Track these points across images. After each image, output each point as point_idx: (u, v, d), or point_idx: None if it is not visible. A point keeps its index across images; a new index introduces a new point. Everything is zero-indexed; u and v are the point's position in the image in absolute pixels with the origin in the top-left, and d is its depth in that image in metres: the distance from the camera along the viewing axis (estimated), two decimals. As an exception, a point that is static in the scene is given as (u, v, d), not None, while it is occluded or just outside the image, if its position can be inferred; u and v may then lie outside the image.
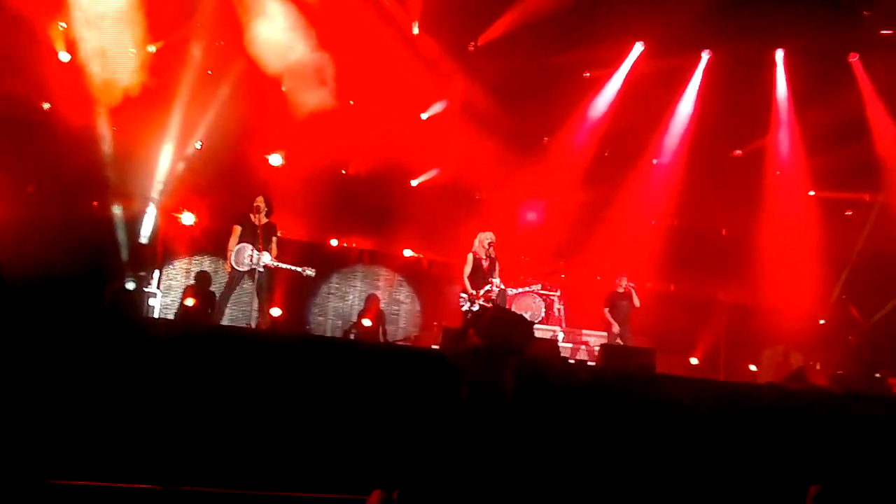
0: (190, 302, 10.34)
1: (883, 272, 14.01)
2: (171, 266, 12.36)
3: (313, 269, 10.34)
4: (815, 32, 12.79)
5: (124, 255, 11.33)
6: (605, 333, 12.54)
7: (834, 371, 11.06)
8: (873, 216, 14.61)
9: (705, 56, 14.48)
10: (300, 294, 12.81)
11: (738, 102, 14.20)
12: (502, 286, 10.78)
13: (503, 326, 6.18)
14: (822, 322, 14.19)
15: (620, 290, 12.56)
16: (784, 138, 15.03)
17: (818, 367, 13.24)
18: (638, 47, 14.53)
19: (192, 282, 11.99)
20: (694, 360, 13.54)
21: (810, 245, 14.40)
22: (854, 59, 14.10)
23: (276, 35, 12.37)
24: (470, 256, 10.68)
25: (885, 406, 8.98)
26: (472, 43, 13.96)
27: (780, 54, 14.45)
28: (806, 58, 13.92)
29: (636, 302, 12.37)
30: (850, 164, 14.25)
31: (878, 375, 11.25)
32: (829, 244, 14.46)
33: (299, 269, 10.26)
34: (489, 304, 10.28)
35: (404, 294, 14.01)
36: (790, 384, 11.31)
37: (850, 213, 15.32)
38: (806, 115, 14.46)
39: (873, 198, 14.70)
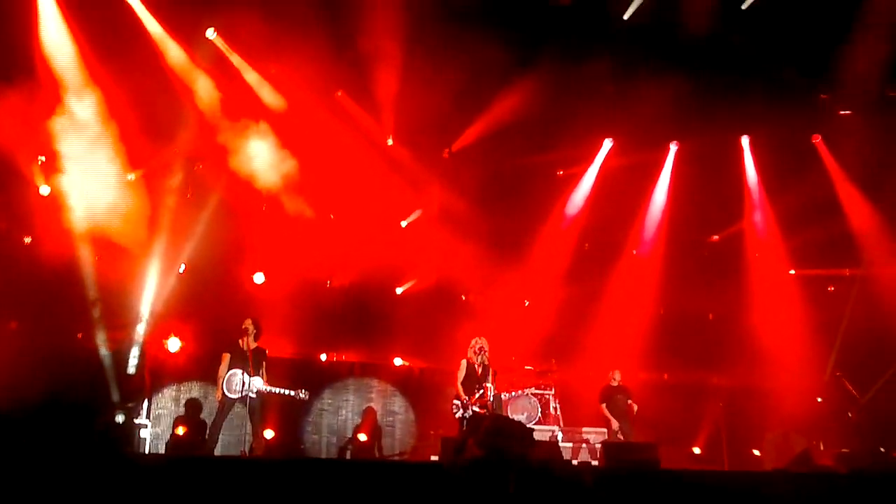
0: (181, 431, 10.12)
1: (872, 344, 14.05)
2: (160, 395, 12.12)
3: (307, 392, 10.26)
4: (778, 118, 13.22)
5: (112, 386, 11.13)
6: (604, 430, 12.35)
7: (837, 450, 10.90)
8: (856, 290, 14.75)
9: (674, 147, 14.90)
10: (293, 413, 12.57)
11: (710, 189, 14.53)
12: (493, 392, 10.64)
13: (503, 435, 6.10)
14: (819, 400, 14.10)
15: (615, 383, 12.45)
16: (759, 221, 15.32)
17: (821, 447, 13.08)
18: (607, 143, 14.94)
19: (181, 410, 11.76)
20: (696, 450, 13.33)
21: (797, 324, 14.47)
22: (817, 139, 14.58)
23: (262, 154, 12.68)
24: (464, 362, 10.61)
25: (892, 481, 8.87)
26: (447, 150, 14.27)
27: (745, 141, 14.91)
28: (772, 142, 14.37)
29: (634, 407, 12.28)
30: (827, 241, 14.48)
31: (882, 450, 11.14)
32: (816, 321, 14.53)
33: (293, 393, 10.16)
34: (483, 410, 10.13)
35: (398, 404, 13.79)
36: (796, 468, 11.15)
37: (833, 288, 15.46)
38: (778, 196, 14.80)
39: (853, 272, 14.88)
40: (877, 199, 14.13)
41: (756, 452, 13.63)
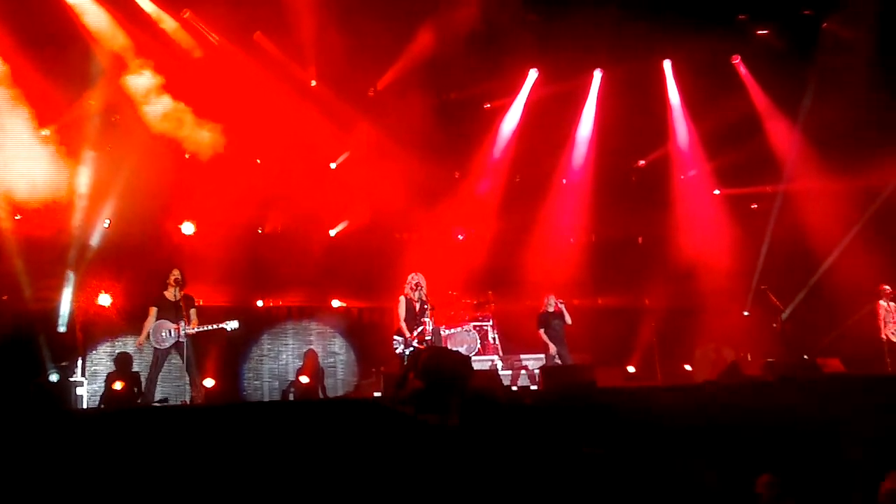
0: (118, 385, 9.99)
1: (794, 258, 14.61)
2: (94, 352, 11.91)
3: (236, 321, 10.23)
4: (698, 40, 13.37)
5: (44, 346, 10.89)
6: (542, 355, 12.62)
7: (765, 360, 11.39)
8: (777, 206, 15.23)
9: (598, 74, 14.97)
10: (231, 361, 12.52)
11: (635, 115, 14.66)
12: (432, 326, 10.75)
13: (442, 365, 6.19)
14: (746, 314, 14.65)
15: (550, 309, 12.66)
16: (683, 144, 15.61)
17: (749, 358, 13.64)
18: (533, 74, 14.93)
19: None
20: (631, 369, 13.75)
21: (723, 242, 14.92)
22: (736, 60, 14.82)
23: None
24: (402, 299, 10.66)
25: (816, 387, 9.34)
26: (372, 88, 14.08)
27: (668, 65, 15.07)
28: (692, 65, 14.55)
29: (568, 319, 12.49)
30: (749, 160, 14.85)
31: (805, 357, 11.67)
32: (740, 238, 15.01)
33: (222, 326, 10.14)
34: (422, 346, 10.25)
35: (339, 345, 13.83)
36: (726, 379, 11.62)
37: (756, 206, 15.93)
38: (701, 119, 15.06)
39: (774, 188, 15.33)
40: (793, 115, 14.50)
41: (687, 367, 14.15)
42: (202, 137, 12.68)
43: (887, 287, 12.50)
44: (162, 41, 12.57)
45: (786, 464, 7.02)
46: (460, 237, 15.45)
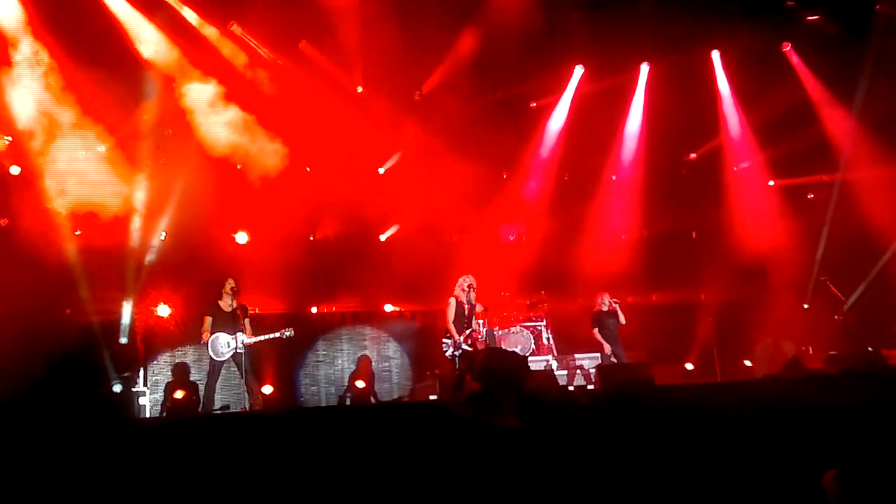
0: (179, 395, 10.18)
1: (854, 247, 14.22)
2: (155, 362, 12.15)
3: (291, 329, 10.31)
4: (747, 29, 13.13)
5: (106, 357, 11.15)
6: (597, 355, 12.51)
7: (826, 353, 11.11)
8: (835, 195, 14.86)
9: (645, 68, 14.79)
10: (288, 367, 12.66)
11: (685, 108, 14.46)
12: (485, 328, 10.72)
13: (498, 366, 6.17)
14: (806, 307, 14.31)
15: (605, 308, 12.54)
16: (735, 135, 15.32)
17: (811, 351, 13.31)
18: (578, 70, 14.80)
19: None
20: (689, 366, 13.53)
21: (780, 233, 14.60)
22: (787, 48, 14.50)
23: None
24: (452, 301, 10.64)
25: (882, 379, 9.07)
26: (417, 92, 14.12)
27: (716, 55, 14.81)
28: (742, 54, 14.27)
29: (622, 319, 12.36)
30: (804, 149, 14.52)
31: (870, 349, 11.34)
32: (798, 229, 14.67)
33: (277, 335, 10.24)
34: (472, 348, 10.22)
35: (392, 350, 13.88)
36: (787, 373, 11.36)
37: (812, 196, 15.57)
38: (752, 109, 14.77)
39: (832, 178, 14.96)
40: (848, 102, 14.13)
41: (747, 363, 13.87)
42: (269, 149, 12.87)
43: None
44: (212, 53, 12.77)
45: (852, 459, 6.83)
46: (511, 238, 15.39)
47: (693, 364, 13.58)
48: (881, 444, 7.13)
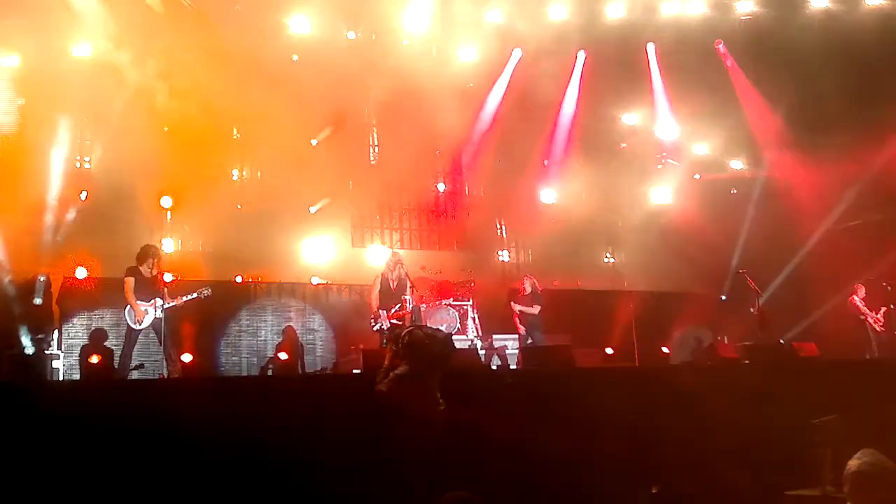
0: (95, 359, 9.86)
1: (772, 242, 14.71)
2: (70, 324, 11.75)
3: (209, 288, 10.13)
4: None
5: (18, 319, 10.72)
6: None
7: (741, 343, 11.50)
8: (756, 191, 15.32)
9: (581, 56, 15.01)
10: (210, 336, 12.39)
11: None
12: (413, 304, 10.72)
13: (424, 344, 6.21)
14: (723, 298, 14.76)
15: (528, 291, 12.66)
16: (665, 126, 15.66)
17: (726, 341, 13.74)
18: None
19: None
20: (609, 350, 13.77)
21: (702, 226, 14.99)
22: (719, 44, 14.86)
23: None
24: (378, 277, 10.63)
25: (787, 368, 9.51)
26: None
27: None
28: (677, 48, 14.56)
29: (537, 304, 12.46)
30: (730, 144, 14.95)
31: (780, 341, 11.79)
32: (719, 223, 15.10)
33: (195, 294, 10.01)
34: (398, 323, 10.20)
35: (317, 322, 13.73)
36: (702, 361, 11.74)
37: (735, 191, 16.02)
38: (683, 101, 15.11)
39: (753, 173, 15.42)
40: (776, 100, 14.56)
41: (665, 350, 14.21)
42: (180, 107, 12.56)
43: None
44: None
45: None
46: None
47: (613, 349, 13.83)
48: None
